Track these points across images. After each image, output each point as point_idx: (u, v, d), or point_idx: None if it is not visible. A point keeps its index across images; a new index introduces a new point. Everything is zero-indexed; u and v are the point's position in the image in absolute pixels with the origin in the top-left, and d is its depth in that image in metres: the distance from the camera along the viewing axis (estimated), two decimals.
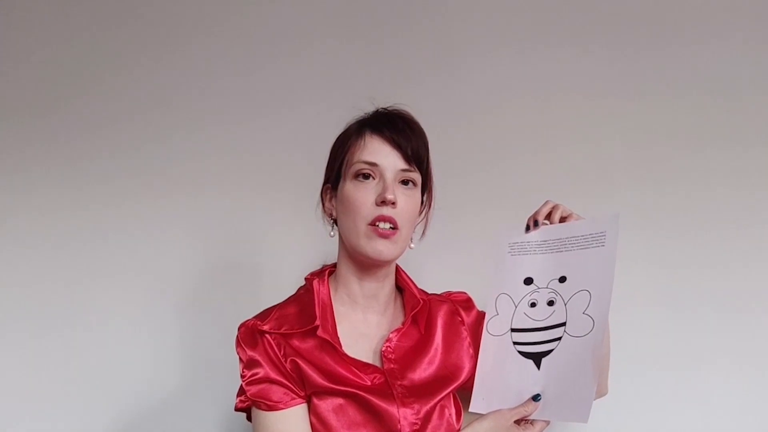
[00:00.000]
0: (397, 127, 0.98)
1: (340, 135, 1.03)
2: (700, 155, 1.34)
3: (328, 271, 1.05)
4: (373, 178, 0.97)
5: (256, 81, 1.50)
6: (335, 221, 1.03)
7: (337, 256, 1.05)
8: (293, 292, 1.06)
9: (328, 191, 1.04)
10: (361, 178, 0.97)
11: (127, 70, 1.51)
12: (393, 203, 0.95)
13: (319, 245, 1.08)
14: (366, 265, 1.00)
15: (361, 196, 0.96)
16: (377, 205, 0.95)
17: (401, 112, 1.02)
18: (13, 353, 1.42)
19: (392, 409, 0.93)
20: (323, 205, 1.05)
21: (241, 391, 0.97)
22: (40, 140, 1.48)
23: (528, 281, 1.03)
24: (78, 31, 1.52)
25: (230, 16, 1.52)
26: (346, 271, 1.02)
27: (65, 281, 1.44)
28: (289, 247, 1.27)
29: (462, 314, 1.09)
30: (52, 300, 1.43)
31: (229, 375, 1.18)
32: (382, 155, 0.97)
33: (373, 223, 0.95)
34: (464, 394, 1.03)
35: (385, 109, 1.02)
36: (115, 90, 1.50)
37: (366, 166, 0.97)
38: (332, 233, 1.04)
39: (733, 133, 1.33)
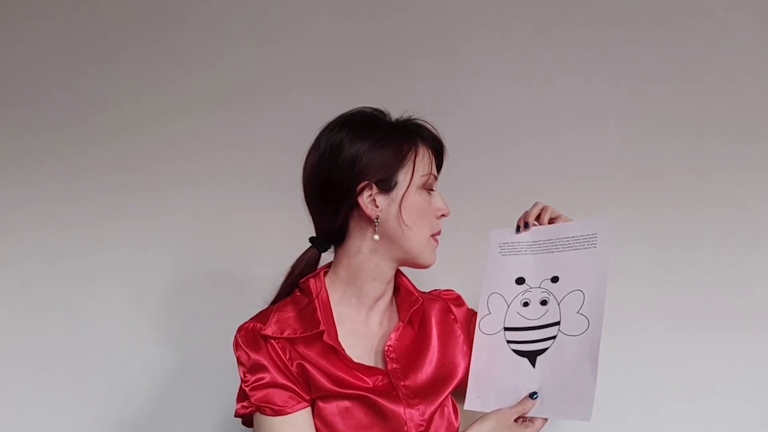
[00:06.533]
0: (438, 140, 1.02)
1: (385, 138, 0.95)
2: (706, 174, 1.30)
3: (323, 271, 1.01)
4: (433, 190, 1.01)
5: (250, 79, 1.47)
6: (375, 223, 0.95)
7: (343, 258, 1.00)
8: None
9: (371, 192, 0.94)
10: (428, 191, 1.00)
11: (115, 72, 1.51)
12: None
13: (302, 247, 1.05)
14: (398, 270, 1.03)
15: (429, 208, 0.99)
16: (437, 218, 1.00)
17: (429, 123, 1.02)
18: (8, 356, 1.42)
19: (399, 410, 0.93)
20: (361, 205, 0.94)
21: (242, 397, 0.93)
22: (34, 153, 1.50)
23: (520, 281, 1.05)
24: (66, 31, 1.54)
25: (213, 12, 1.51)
26: (368, 273, 0.98)
27: (58, 285, 1.44)
28: (275, 251, 1.23)
29: (454, 312, 1.10)
30: (45, 304, 1.43)
31: (221, 380, 1.16)
32: (434, 167, 1.01)
33: (433, 234, 1.00)
34: (458, 391, 1.03)
35: (414, 118, 1.01)
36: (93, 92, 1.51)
37: (434, 180, 1.00)
38: (376, 236, 0.96)
39: (740, 153, 1.29)
